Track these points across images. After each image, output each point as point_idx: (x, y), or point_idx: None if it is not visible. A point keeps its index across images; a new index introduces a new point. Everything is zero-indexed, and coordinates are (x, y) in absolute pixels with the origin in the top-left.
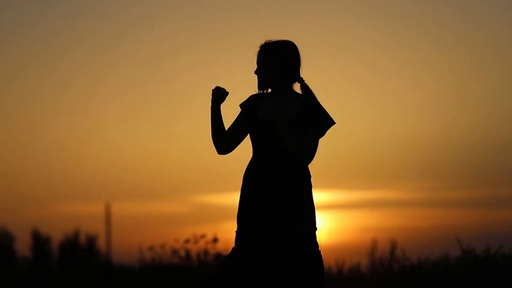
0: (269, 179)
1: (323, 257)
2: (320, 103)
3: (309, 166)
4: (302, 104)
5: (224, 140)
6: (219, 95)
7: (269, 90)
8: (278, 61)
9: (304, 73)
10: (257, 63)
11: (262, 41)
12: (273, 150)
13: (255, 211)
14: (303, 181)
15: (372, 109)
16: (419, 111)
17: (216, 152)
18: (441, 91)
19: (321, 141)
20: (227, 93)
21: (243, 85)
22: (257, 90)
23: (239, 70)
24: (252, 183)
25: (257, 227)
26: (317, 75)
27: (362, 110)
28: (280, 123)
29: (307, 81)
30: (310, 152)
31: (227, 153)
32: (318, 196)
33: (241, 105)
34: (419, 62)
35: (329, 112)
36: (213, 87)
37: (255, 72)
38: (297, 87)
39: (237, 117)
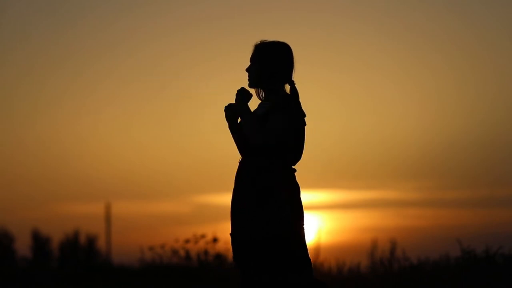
0: (235, 181)
1: (323, 257)
2: (288, 107)
3: (307, 165)
4: (270, 105)
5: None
6: (245, 96)
7: (260, 88)
8: (272, 61)
9: (304, 71)
10: (250, 61)
11: (258, 40)
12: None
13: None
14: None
15: (372, 108)
16: (419, 111)
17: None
18: (442, 91)
19: (322, 141)
20: (251, 95)
21: (240, 84)
22: (248, 88)
23: (237, 70)
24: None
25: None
26: (317, 75)
27: (362, 110)
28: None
29: (306, 79)
30: (263, 134)
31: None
32: (318, 196)
33: None
34: (418, 62)
35: (329, 112)
36: (237, 88)
37: (247, 70)
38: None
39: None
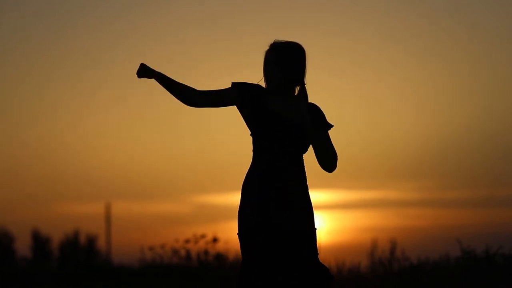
0: (283, 179)
1: (323, 257)
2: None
3: (307, 164)
4: (308, 107)
5: (192, 91)
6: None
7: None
8: (289, 62)
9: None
10: (265, 61)
11: (258, 43)
12: (288, 150)
13: (271, 214)
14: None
15: (372, 108)
16: (419, 111)
17: (186, 104)
18: (441, 91)
19: None
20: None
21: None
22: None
23: (239, 69)
24: (264, 185)
25: (269, 231)
26: (317, 75)
27: (362, 110)
28: (312, 126)
29: (307, 80)
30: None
31: (197, 106)
32: (318, 196)
33: (241, 86)
34: (418, 61)
35: (328, 112)
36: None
37: (267, 71)
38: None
39: (225, 91)
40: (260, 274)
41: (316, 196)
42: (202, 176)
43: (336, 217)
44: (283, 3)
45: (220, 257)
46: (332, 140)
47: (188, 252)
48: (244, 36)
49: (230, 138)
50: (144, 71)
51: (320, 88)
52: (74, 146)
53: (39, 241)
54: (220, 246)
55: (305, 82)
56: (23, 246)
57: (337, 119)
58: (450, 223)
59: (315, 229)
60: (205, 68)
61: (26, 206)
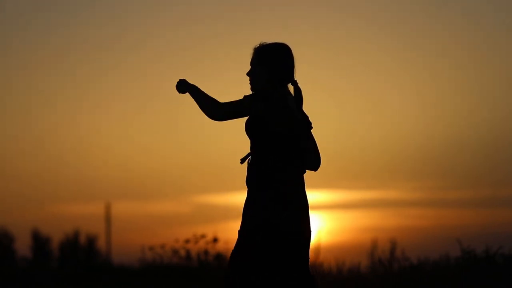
0: (282, 179)
1: (323, 257)
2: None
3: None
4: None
5: (220, 106)
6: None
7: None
8: (273, 64)
9: (304, 72)
10: (251, 64)
11: (258, 41)
12: (300, 152)
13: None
14: None
15: (372, 108)
16: (420, 111)
17: (211, 118)
18: (443, 91)
19: (322, 141)
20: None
21: (240, 83)
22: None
23: (238, 69)
24: (296, 187)
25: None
26: (317, 75)
27: (362, 110)
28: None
29: (306, 80)
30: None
31: (222, 120)
32: (318, 196)
33: (265, 97)
34: (419, 61)
35: (329, 112)
36: (182, 80)
37: (248, 74)
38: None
39: (245, 102)
40: (259, 274)
41: (316, 196)
42: (202, 176)
43: (336, 217)
44: (283, 3)
45: (220, 257)
46: (332, 139)
47: (188, 252)
48: (244, 35)
49: (230, 138)
50: (185, 86)
51: (320, 88)
52: (74, 146)
53: (39, 241)
54: (220, 246)
55: (296, 80)
56: (23, 246)
57: (337, 119)
58: (449, 223)
59: (311, 230)
60: (205, 68)
61: (26, 206)
